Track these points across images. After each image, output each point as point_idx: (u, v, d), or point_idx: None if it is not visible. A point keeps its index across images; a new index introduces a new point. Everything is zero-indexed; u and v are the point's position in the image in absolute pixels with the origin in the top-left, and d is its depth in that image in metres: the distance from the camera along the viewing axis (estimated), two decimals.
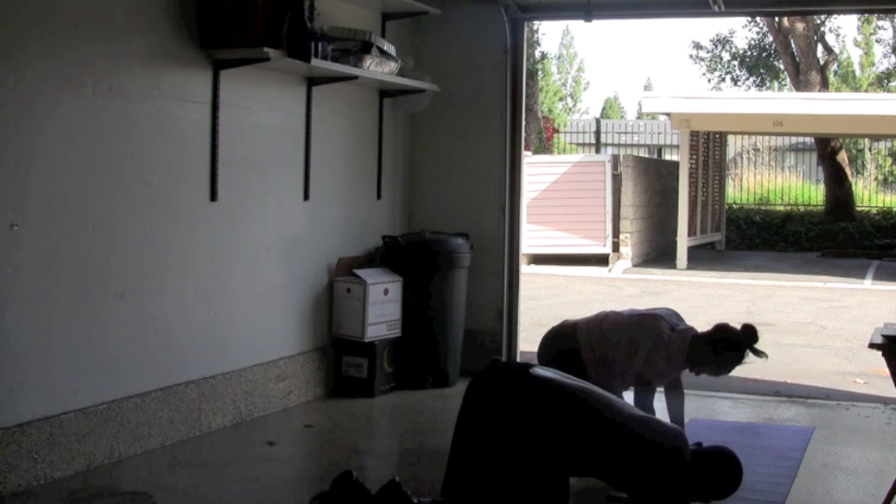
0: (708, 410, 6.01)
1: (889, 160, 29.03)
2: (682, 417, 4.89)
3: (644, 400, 4.73)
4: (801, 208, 21.87)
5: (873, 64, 31.98)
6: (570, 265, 15.57)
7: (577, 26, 46.10)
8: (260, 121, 5.43)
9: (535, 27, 22.60)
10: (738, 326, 4.70)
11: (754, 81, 26.10)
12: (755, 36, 25.63)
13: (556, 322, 5.21)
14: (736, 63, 26.07)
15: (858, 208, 21.34)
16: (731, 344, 4.64)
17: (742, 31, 58.54)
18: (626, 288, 13.46)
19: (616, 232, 15.80)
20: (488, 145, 6.74)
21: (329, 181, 6.01)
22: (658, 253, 17.38)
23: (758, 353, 4.61)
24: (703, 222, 17.69)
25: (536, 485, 3.62)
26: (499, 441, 3.64)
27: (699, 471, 3.80)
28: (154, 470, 4.49)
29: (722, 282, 14.16)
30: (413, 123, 6.88)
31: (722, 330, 4.70)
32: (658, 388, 4.88)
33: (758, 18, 22.65)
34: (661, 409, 4.87)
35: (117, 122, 4.51)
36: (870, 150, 28.21)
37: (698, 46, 26.66)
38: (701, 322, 5.19)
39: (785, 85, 25.94)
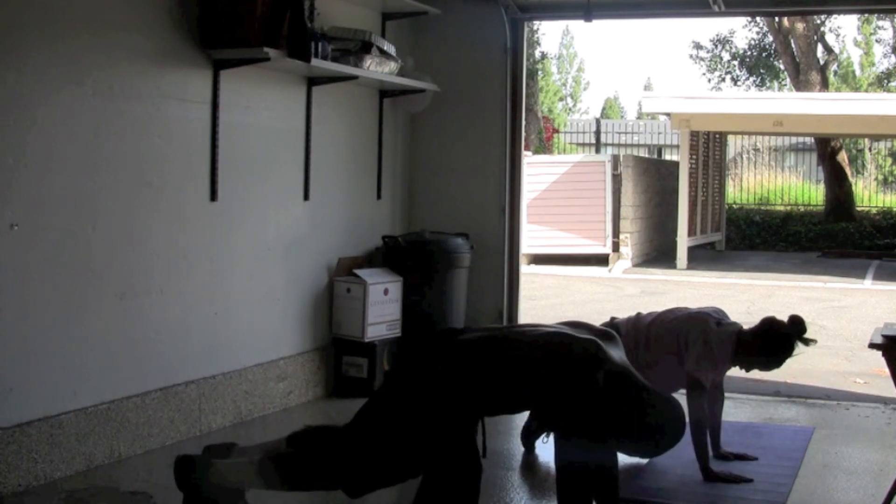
0: None
1: (889, 160, 29.01)
2: (720, 423, 4.80)
3: (695, 404, 4.49)
4: (801, 208, 21.85)
5: (873, 64, 31.96)
6: (570, 265, 15.57)
7: (577, 26, 46.12)
8: (260, 121, 5.42)
9: (534, 27, 22.58)
10: (785, 319, 4.62)
11: (754, 81, 26.09)
12: (755, 36, 25.64)
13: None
14: (736, 63, 26.05)
15: (858, 208, 21.32)
16: (781, 336, 4.57)
17: (742, 31, 58.56)
18: (626, 288, 13.46)
19: (616, 232, 15.79)
20: (488, 145, 6.73)
21: (329, 181, 6.01)
22: (658, 253, 17.37)
23: (807, 342, 4.53)
24: (703, 222, 17.68)
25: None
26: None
27: (620, 399, 3.21)
28: (154, 470, 4.48)
29: (722, 282, 14.15)
30: (413, 123, 6.88)
31: (769, 323, 4.63)
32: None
33: (758, 18, 22.64)
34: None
35: (117, 122, 4.51)
36: (870, 150, 28.19)
37: (698, 46, 26.66)
38: None
39: (785, 85, 25.93)
